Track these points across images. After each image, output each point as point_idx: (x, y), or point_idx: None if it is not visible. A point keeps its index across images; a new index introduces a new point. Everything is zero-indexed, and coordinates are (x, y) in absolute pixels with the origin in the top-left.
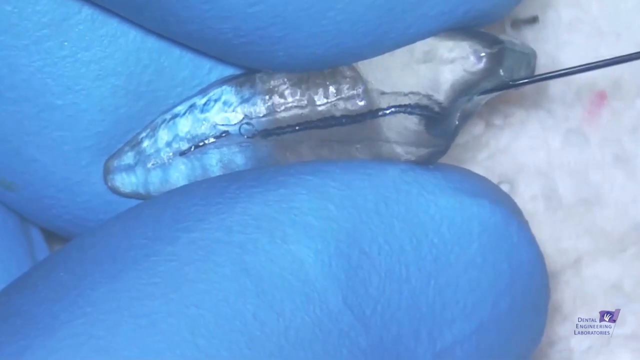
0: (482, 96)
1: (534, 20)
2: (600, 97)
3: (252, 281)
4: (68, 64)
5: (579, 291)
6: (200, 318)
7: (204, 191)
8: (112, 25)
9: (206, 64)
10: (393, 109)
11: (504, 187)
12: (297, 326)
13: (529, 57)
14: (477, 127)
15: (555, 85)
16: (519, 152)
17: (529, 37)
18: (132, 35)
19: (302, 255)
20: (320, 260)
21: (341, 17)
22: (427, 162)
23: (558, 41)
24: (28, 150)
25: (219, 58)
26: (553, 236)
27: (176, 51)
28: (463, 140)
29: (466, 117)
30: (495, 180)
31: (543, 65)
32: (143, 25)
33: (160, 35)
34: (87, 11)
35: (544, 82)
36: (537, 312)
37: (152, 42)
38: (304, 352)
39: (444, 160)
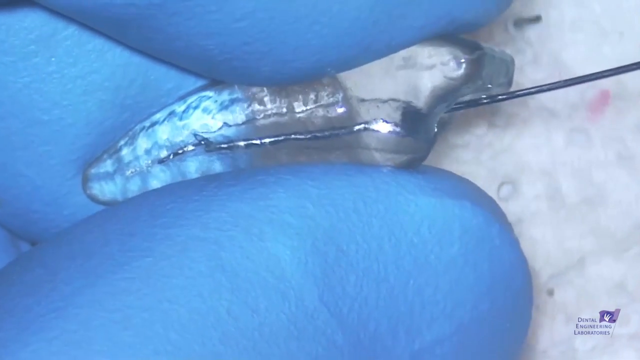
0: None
1: (537, 19)
2: (604, 97)
3: (227, 277)
4: (55, 79)
5: (583, 291)
6: (173, 313)
7: (182, 190)
8: (99, 40)
9: (192, 75)
10: (372, 121)
11: (507, 187)
12: (271, 322)
13: (508, 64)
14: (479, 128)
15: None
16: (522, 151)
17: (532, 36)
18: (119, 50)
19: (278, 253)
20: (296, 257)
21: (326, 30)
22: (407, 169)
23: (561, 40)
24: (15, 165)
25: (204, 74)
26: (556, 236)
27: (163, 64)
28: (465, 140)
29: (445, 124)
30: (498, 180)
31: (546, 64)
32: (128, 43)
33: None
34: (74, 27)
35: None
36: (519, 315)
37: (139, 56)
38: (278, 348)
39: (447, 161)
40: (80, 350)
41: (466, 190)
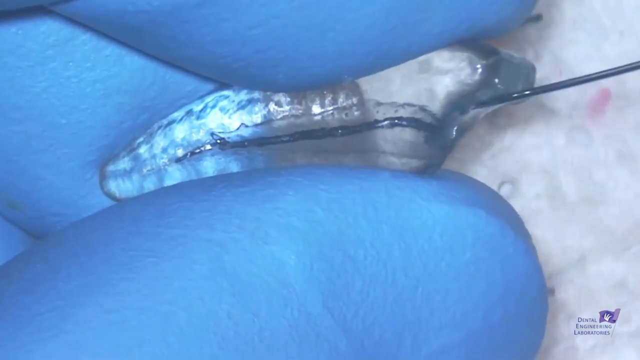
0: (480, 110)
1: (537, 18)
2: (604, 95)
3: (228, 280)
4: (73, 84)
5: (584, 289)
6: (172, 316)
7: (190, 189)
8: (117, 44)
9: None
10: (388, 122)
11: (507, 187)
12: (272, 328)
13: (528, 70)
14: (480, 127)
15: None
16: (522, 150)
17: (533, 35)
18: (137, 54)
19: (282, 257)
20: (301, 262)
21: (341, 38)
22: (423, 174)
23: (562, 39)
24: (33, 169)
25: (220, 81)
26: (557, 235)
27: (181, 67)
28: (466, 139)
29: (463, 130)
30: (498, 180)
31: (546, 63)
32: (144, 50)
33: None
34: (92, 32)
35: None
36: (533, 325)
37: (157, 59)
38: (278, 354)
39: (448, 160)
40: (75, 351)
41: (483, 198)
